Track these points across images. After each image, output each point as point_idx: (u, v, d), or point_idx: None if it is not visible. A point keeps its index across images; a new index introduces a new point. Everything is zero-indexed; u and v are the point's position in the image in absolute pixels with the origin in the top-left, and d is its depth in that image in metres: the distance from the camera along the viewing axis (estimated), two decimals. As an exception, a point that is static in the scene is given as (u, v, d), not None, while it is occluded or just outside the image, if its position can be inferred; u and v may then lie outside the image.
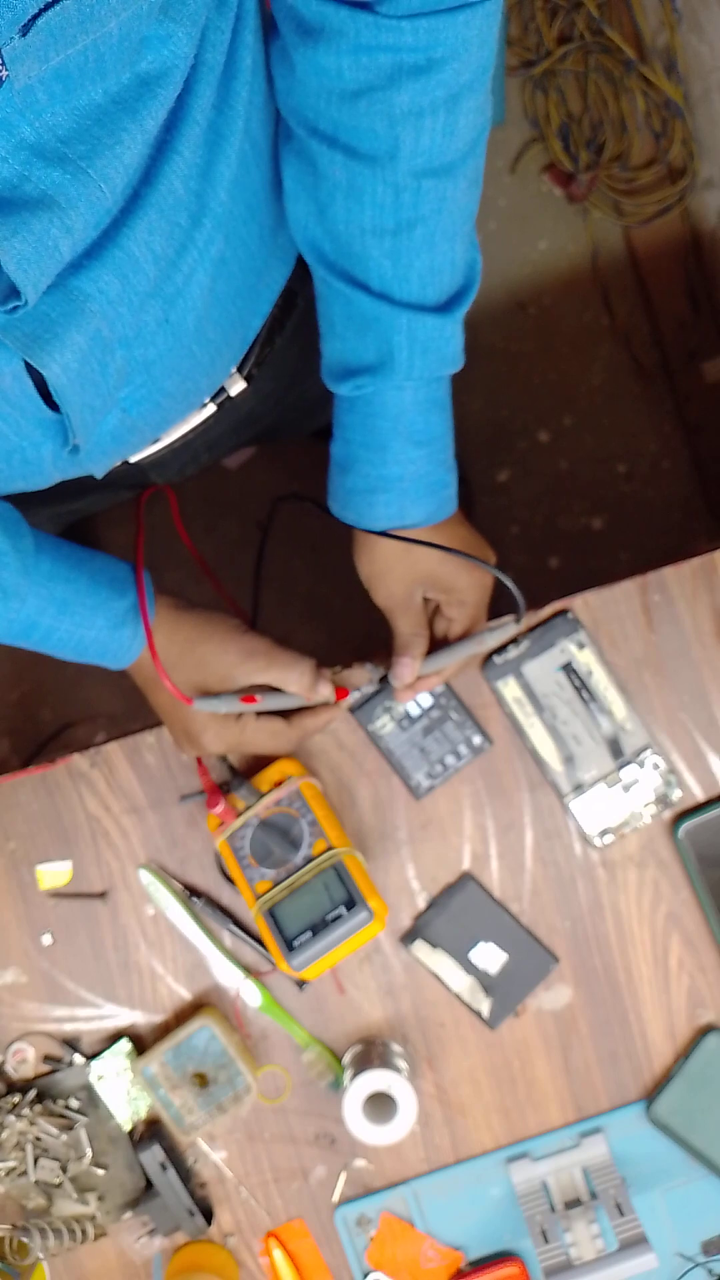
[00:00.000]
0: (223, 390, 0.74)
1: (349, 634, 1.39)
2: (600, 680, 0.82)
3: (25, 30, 0.36)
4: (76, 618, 0.69)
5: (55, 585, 0.68)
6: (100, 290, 0.49)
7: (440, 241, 0.61)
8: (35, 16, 0.36)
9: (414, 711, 0.82)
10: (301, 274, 0.73)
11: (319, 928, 0.73)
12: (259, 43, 0.56)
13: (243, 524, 1.61)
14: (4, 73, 0.37)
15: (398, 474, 0.68)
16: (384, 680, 0.78)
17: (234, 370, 0.74)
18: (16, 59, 0.37)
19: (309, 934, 0.73)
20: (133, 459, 0.72)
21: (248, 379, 0.75)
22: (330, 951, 0.73)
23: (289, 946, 0.74)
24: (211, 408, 0.74)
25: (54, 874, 0.83)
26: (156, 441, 0.72)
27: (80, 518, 1.14)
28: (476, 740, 0.82)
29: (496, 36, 0.56)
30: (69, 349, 0.50)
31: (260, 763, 0.82)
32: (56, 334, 0.49)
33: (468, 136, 0.58)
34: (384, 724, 0.82)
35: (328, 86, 0.56)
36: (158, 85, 0.45)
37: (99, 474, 0.66)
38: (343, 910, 0.73)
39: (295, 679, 0.73)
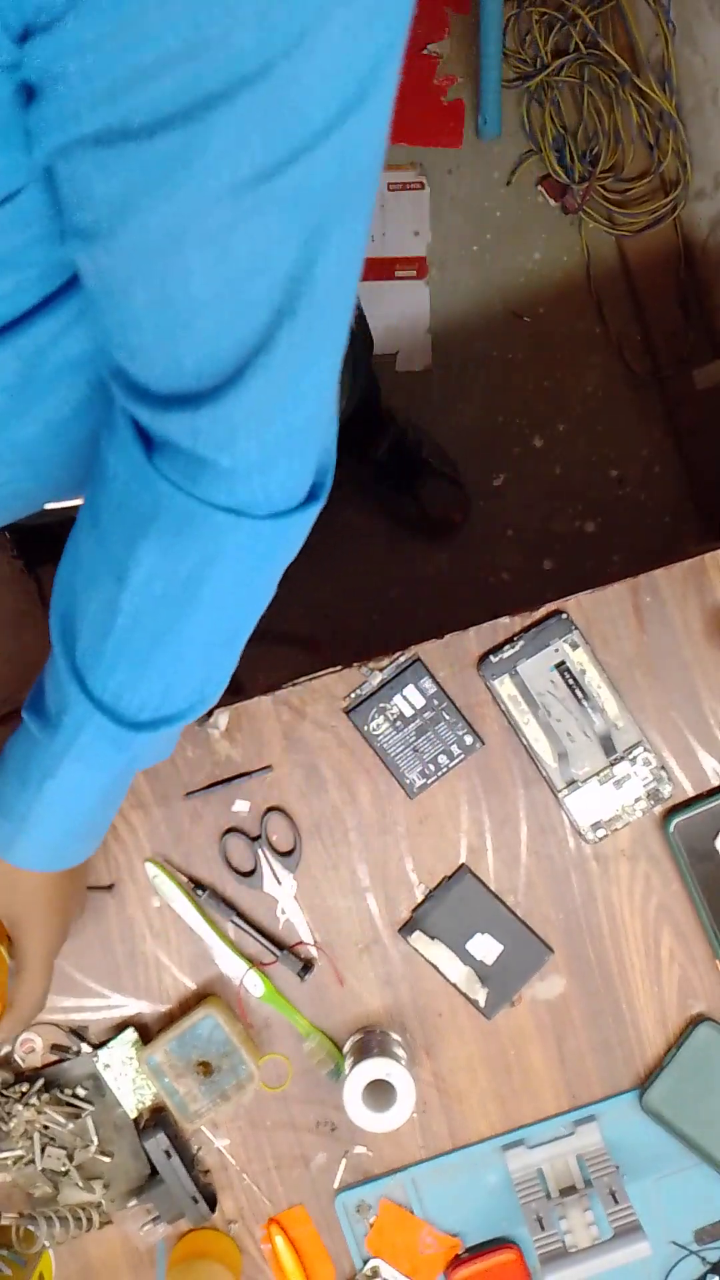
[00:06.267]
0: None
1: (349, 634, 1.41)
2: (593, 679, 0.84)
3: None
4: None
5: None
6: None
7: (156, 651, 0.57)
8: None
9: (407, 712, 0.84)
10: None
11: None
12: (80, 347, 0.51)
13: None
14: None
15: (22, 812, 0.64)
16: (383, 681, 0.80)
17: None
18: None
19: None
20: (50, 506, 0.71)
21: None
22: None
23: None
24: None
25: (62, 867, 0.85)
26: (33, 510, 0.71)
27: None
28: (469, 740, 0.84)
29: (268, 578, 0.55)
30: None
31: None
32: None
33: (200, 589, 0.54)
34: (378, 724, 0.84)
35: (91, 494, 0.53)
36: None
37: None
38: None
39: None
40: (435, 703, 0.84)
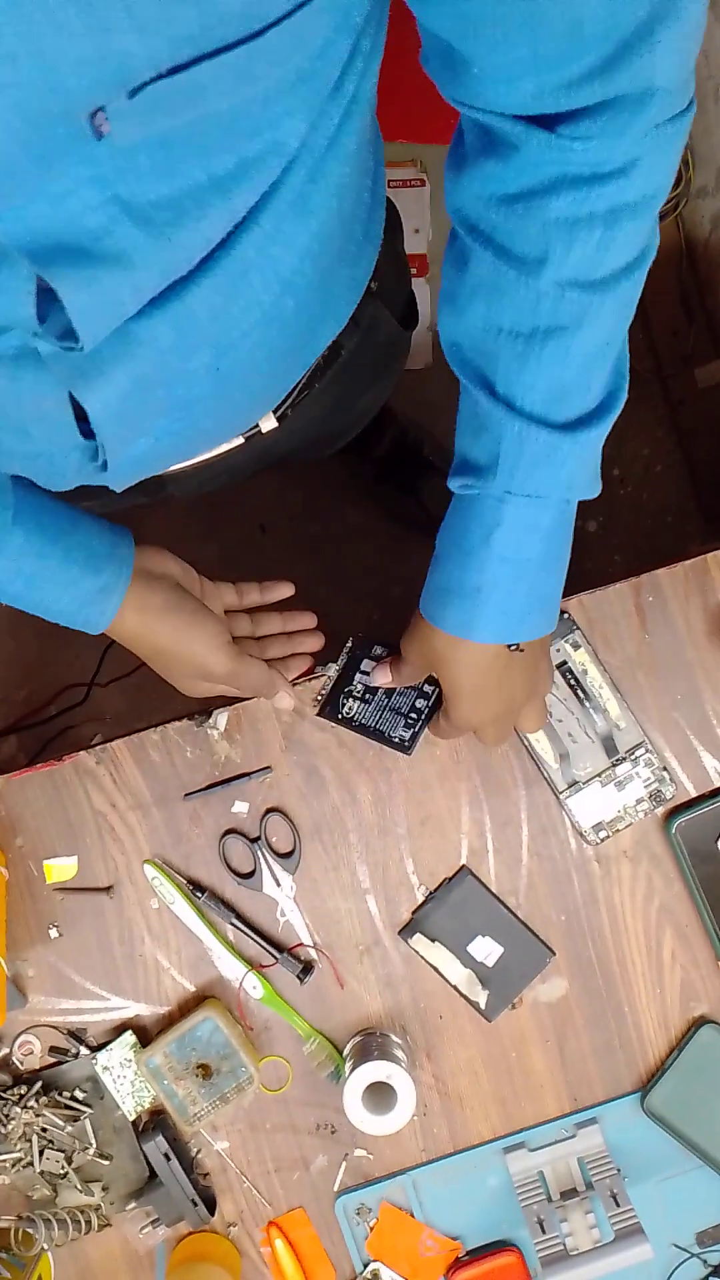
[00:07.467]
0: (255, 426, 0.75)
1: (349, 634, 1.40)
2: (595, 679, 0.84)
3: (134, 94, 0.37)
4: (43, 592, 0.69)
5: (25, 560, 0.68)
6: (154, 338, 0.50)
7: (575, 357, 0.59)
8: (147, 83, 0.37)
9: (373, 684, 0.83)
10: (350, 327, 0.73)
11: None
12: (365, 127, 0.55)
13: (244, 527, 1.63)
14: (107, 127, 0.38)
15: (475, 583, 0.66)
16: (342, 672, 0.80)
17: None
18: (121, 117, 0.38)
19: None
20: (182, 465, 0.74)
21: (280, 418, 0.76)
22: None
23: None
24: (240, 440, 0.75)
25: (61, 869, 0.85)
26: (181, 462, 0.73)
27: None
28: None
29: (673, 162, 0.54)
30: (112, 386, 0.51)
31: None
32: (104, 371, 0.50)
33: (625, 256, 0.56)
34: (350, 707, 0.83)
35: (491, 190, 0.55)
36: (256, 170, 0.46)
37: (118, 489, 0.67)
38: None
39: (251, 693, 0.79)
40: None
